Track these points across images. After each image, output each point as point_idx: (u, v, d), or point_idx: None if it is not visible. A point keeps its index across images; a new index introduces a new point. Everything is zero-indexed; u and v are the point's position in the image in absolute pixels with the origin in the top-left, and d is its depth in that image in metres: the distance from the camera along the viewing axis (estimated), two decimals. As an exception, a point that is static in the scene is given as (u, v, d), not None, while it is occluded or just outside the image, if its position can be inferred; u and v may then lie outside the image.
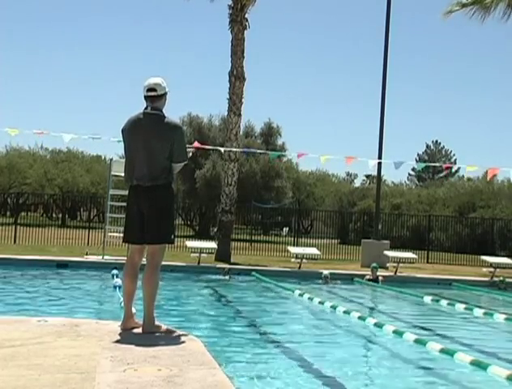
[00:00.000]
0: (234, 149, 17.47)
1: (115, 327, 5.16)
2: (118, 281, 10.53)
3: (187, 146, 5.51)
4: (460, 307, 11.01)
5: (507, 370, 5.79)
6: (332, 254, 22.26)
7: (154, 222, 5.01)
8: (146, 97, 5.17)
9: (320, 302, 10.34)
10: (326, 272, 14.55)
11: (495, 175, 20.99)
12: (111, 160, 16.86)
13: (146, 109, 5.18)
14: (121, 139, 5.30)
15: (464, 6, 20.13)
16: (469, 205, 35.78)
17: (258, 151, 26.73)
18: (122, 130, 5.23)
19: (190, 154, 5.60)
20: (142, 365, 3.96)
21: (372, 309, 11.62)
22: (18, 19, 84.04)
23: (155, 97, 5.14)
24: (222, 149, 16.29)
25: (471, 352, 6.87)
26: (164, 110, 5.21)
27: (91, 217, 35.52)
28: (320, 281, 14.26)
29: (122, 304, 8.32)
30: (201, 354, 4.40)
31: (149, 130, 5.08)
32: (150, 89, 5.15)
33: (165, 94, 5.23)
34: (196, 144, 15.78)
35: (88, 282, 12.67)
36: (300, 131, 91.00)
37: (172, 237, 5.20)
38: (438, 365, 6.46)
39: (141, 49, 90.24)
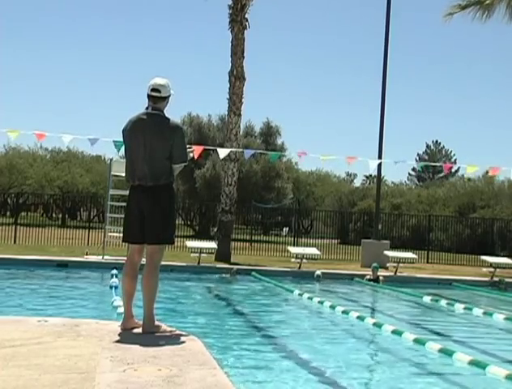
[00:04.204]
0: (234, 149, 17.47)
1: (115, 327, 5.17)
2: (115, 281, 10.54)
3: (188, 146, 5.51)
4: (460, 307, 11.02)
5: (506, 370, 5.80)
6: (332, 254, 22.26)
7: (154, 222, 5.01)
8: (149, 96, 5.19)
9: (319, 302, 10.35)
10: (318, 272, 14.91)
11: (494, 176, 21.02)
12: (111, 160, 16.86)
13: (147, 108, 5.20)
14: (122, 140, 5.31)
15: (464, 7, 20.17)
16: (469, 205, 35.77)
17: (259, 151, 26.73)
18: (123, 130, 5.25)
19: (192, 155, 5.60)
20: (142, 365, 3.96)
21: (371, 308, 11.63)
22: (18, 19, 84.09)
23: (157, 98, 5.16)
24: (221, 153, 16.23)
25: (470, 351, 6.88)
26: (165, 111, 5.23)
27: (91, 217, 35.51)
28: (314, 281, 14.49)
29: (114, 303, 8.41)
30: (201, 354, 4.40)
31: (150, 130, 5.09)
32: (154, 89, 5.16)
33: (169, 96, 5.24)
34: (197, 148, 15.43)
35: (88, 282, 12.68)
36: (300, 131, 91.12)
37: (173, 237, 5.21)
38: (437, 364, 6.46)
39: (141, 49, 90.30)
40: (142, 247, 5.12)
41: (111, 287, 10.45)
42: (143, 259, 5.15)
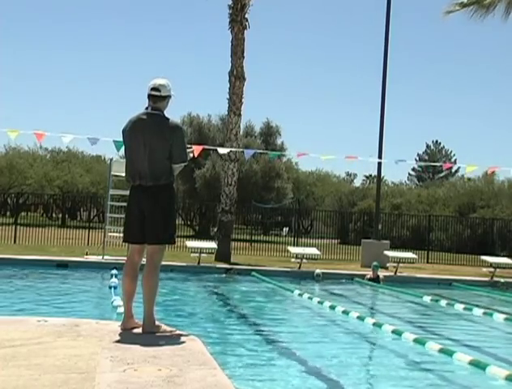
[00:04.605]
0: (234, 149, 17.47)
1: (115, 327, 5.17)
2: (115, 281, 10.54)
3: (187, 146, 5.52)
4: (459, 307, 11.01)
5: (506, 370, 5.80)
6: (332, 254, 22.26)
7: (155, 222, 5.02)
8: (149, 96, 5.19)
9: (319, 302, 10.35)
10: (318, 271, 14.91)
11: (494, 172, 21.03)
12: (111, 160, 16.87)
13: (147, 108, 5.20)
14: (122, 140, 5.31)
15: (464, 6, 20.16)
16: (469, 205, 35.78)
17: (259, 151, 26.72)
18: (123, 130, 5.25)
19: (191, 155, 5.61)
20: (143, 365, 3.96)
21: (371, 308, 11.63)
22: (18, 19, 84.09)
23: (157, 97, 5.16)
24: (222, 150, 16.20)
25: (470, 352, 6.88)
26: (165, 112, 5.23)
27: (91, 217, 35.51)
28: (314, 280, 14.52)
29: (114, 303, 8.41)
30: (201, 354, 4.40)
31: (150, 130, 5.09)
32: (154, 89, 5.17)
33: (169, 97, 5.24)
34: (196, 148, 15.44)
35: (88, 282, 12.68)
36: (300, 131, 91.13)
37: (173, 237, 5.21)
38: (437, 365, 6.46)
39: (141, 49, 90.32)
40: (143, 247, 5.12)
41: (110, 287, 10.45)
42: (144, 259, 5.16)
